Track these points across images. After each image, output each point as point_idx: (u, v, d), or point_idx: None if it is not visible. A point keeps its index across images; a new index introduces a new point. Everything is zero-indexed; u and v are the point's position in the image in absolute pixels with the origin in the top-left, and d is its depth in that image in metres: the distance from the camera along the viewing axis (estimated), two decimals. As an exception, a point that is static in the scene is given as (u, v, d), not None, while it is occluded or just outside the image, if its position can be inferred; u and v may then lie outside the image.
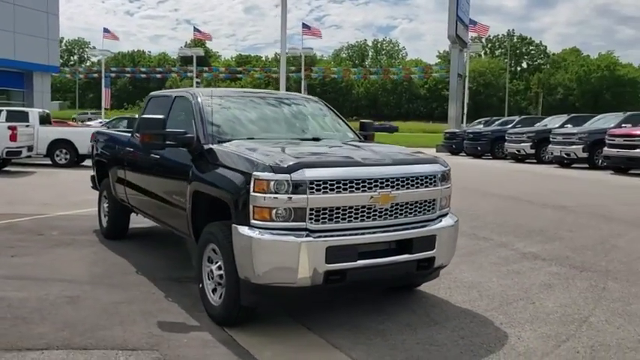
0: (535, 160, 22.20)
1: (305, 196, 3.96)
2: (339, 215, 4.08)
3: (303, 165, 4.03)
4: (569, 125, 21.30)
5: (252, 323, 4.39)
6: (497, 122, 28.67)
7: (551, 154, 20.39)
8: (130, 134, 6.86)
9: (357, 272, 4.13)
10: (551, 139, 20.45)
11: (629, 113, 19.52)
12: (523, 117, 29.66)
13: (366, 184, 4.14)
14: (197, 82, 42.65)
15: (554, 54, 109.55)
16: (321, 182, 4.00)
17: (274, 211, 3.95)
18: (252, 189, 4.00)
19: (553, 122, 23.35)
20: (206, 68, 74.17)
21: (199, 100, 5.42)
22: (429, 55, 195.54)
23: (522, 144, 22.58)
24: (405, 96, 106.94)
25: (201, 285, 4.68)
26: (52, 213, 9.18)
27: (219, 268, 4.43)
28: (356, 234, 4.11)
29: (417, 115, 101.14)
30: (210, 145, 4.86)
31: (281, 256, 3.93)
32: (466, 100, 37.59)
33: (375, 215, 4.20)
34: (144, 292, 5.18)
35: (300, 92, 34.31)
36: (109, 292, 5.14)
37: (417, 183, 4.40)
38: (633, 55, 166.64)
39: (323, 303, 4.91)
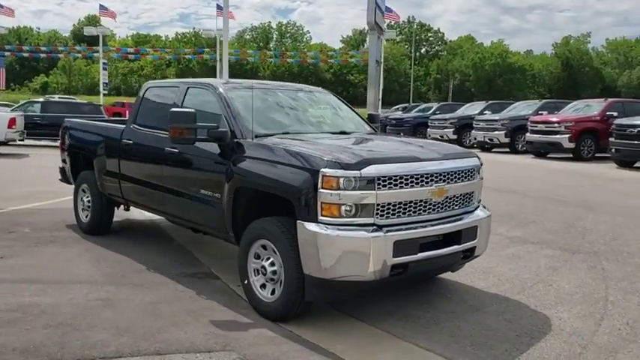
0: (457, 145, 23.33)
1: (374, 192, 4.04)
2: (402, 210, 4.20)
3: (370, 161, 4.10)
4: (488, 112, 22.54)
5: (303, 318, 4.41)
6: (416, 109, 29.77)
7: (475, 139, 21.53)
8: (124, 125, 6.54)
9: (417, 264, 4.29)
10: (474, 125, 21.57)
11: (544, 101, 21.00)
12: (442, 103, 31.09)
13: (424, 178, 4.29)
14: (104, 63, 40.39)
15: (451, 41, 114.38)
16: (387, 178, 4.10)
17: (343, 208, 4.01)
18: (320, 186, 4.03)
19: (472, 109, 24.59)
20: (113, 48, 70.36)
21: (225, 92, 5.30)
22: (331, 39, 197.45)
23: (445, 130, 23.67)
24: (310, 80, 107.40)
25: (246, 281, 4.64)
26: (6, 208, 8.55)
27: (273, 264, 4.42)
28: (417, 227, 4.26)
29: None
30: (250, 140, 4.80)
31: (353, 251, 3.99)
32: (381, 86, 38.50)
33: (430, 209, 4.36)
34: (172, 291, 5.05)
35: (215, 76, 33.61)
36: (138, 293, 4.95)
37: (463, 176, 4.61)
38: (516, 44, 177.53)
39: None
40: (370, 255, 4.00)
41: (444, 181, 4.42)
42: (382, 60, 37.78)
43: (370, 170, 4.05)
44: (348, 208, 4.01)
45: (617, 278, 5.52)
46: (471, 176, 4.72)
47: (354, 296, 4.70)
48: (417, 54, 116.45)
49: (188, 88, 5.70)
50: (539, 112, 19.59)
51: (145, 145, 5.95)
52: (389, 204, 4.13)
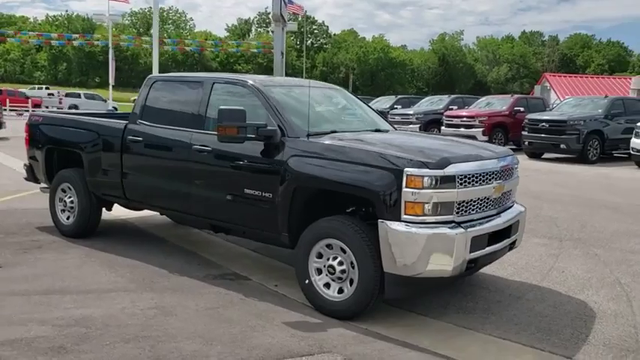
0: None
1: (455, 190, 4.20)
2: (472, 207, 4.40)
3: (450, 160, 4.25)
4: (398, 106, 23.46)
5: (368, 315, 4.47)
6: None
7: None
8: (124, 121, 6.12)
9: (484, 258, 4.52)
10: (389, 119, 22.33)
11: (453, 96, 22.26)
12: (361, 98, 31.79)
13: (489, 176, 4.51)
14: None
15: (335, 34, 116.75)
16: (463, 176, 4.27)
17: (426, 206, 4.12)
18: (404, 185, 4.11)
19: (381, 103, 25.45)
20: (11, 32, 63.80)
21: (265, 89, 5.17)
22: (214, 26, 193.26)
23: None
24: (196, 68, 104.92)
25: (307, 281, 4.61)
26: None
27: (341, 263, 4.43)
28: (484, 223, 4.47)
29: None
30: (306, 139, 4.75)
31: (438, 248, 4.12)
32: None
33: (491, 205, 4.60)
34: (218, 294, 4.88)
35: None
36: (185, 298, 4.73)
37: (512, 173, 4.90)
38: (391, 39, 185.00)
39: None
40: (454, 251, 4.15)
41: (502, 178, 4.67)
42: (284, 51, 37.81)
43: (451, 169, 4.20)
44: (431, 207, 4.13)
45: (614, 262, 6.11)
46: (515, 173, 5.02)
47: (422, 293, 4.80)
48: (303, 46, 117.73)
49: (214, 83, 5.48)
50: (450, 107, 20.76)
51: (163, 143, 5.64)
52: (464, 201, 4.30)
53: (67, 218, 6.67)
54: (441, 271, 4.19)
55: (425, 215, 4.13)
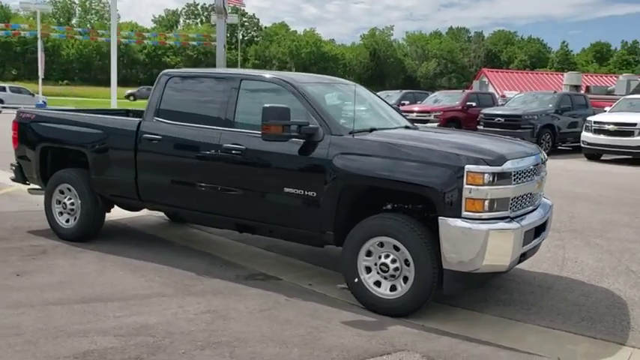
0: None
1: (510, 186, 4.31)
2: (521, 202, 4.52)
3: (506, 157, 4.35)
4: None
5: (418, 311, 4.51)
6: None
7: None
8: (139, 119, 5.86)
9: (530, 252, 4.67)
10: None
11: (404, 91, 22.66)
12: None
13: (533, 172, 4.65)
14: None
15: (266, 27, 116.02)
16: (517, 172, 4.39)
17: (486, 202, 4.21)
18: (464, 182, 4.17)
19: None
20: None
21: (302, 86, 5.10)
22: (136, 17, 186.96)
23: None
24: (122, 61, 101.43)
25: (356, 280, 4.60)
26: None
27: (394, 261, 4.45)
28: (530, 218, 4.61)
29: (137, 82, 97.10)
30: (351, 137, 4.73)
31: (499, 243, 4.22)
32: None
33: (532, 200, 4.75)
34: (261, 296, 4.78)
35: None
36: (232, 301, 4.61)
37: (544, 169, 5.07)
38: (319, 32, 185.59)
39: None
40: (512, 246, 4.27)
41: (540, 173, 4.83)
42: (225, 44, 37.35)
43: (508, 165, 4.30)
44: (489, 203, 4.21)
45: (617, 252, 6.44)
46: (545, 168, 5.20)
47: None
48: (234, 39, 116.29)
49: (242, 80, 5.34)
50: (402, 102, 21.13)
51: (186, 141, 5.44)
52: (516, 197, 4.42)
53: (67, 221, 6.31)
54: (499, 266, 4.29)
55: (484, 211, 4.20)
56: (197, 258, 5.82)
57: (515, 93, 27.36)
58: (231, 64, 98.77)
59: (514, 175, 4.33)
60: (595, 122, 15.30)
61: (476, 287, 4.96)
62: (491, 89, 31.69)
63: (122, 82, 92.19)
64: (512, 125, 16.35)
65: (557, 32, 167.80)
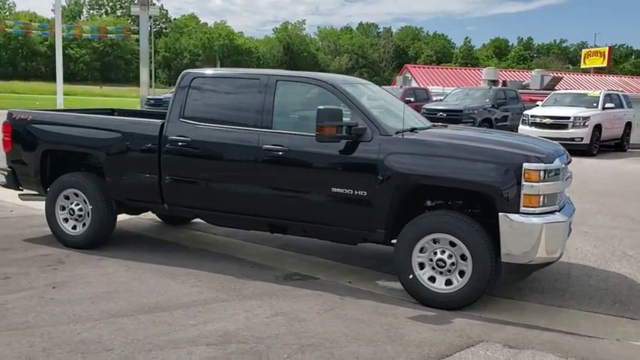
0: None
1: (559, 182, 4.62)
2: (561, 197, 4.85)
3: (555, 155, 4.66)
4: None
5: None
6: None
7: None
8: (160, 120, 5.66)
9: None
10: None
11: None
12: None
13: (565, 169, 4.99)
14: None
15: (175, 19, 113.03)
16: (562, 169, 4.71)
17: (540, 198, 4.49)
18: (522, 179, 4.43)
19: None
20: None
21: (343, 87, 5.15)
22: (30, 6, 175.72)
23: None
24: (21, 52, 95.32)
25: (411, 276, 4.74)
26: None
27: (450, 256, 4.63)
28: (567, 211, 4.94)
29: (37, 76, 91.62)
30: (400, 136, 4.86)
31: (553, 235, 4.51)
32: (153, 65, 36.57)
33: (563, 196, 5.08)
34: (316, 296, 4.80)
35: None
36: (292, 303, 4.61)
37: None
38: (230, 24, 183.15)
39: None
40: (564, 237, 4.59)
41: (567, 171, 5.19)
42: (152, 38, 35.93)
43: (557, 163, 4.61)
44: (543, 198, 4.50)
45: (606, 238, 7.00)
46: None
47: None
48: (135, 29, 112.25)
49: (277, 81, 5.30)
50: None
51: (219, 142, 5.34)
52: (560, 192, 4.73)
53: (74, 228, 6.00)
54: (551, 257, 4.59)
55: (538, 206, 4.48)
56: (223, 261, 5.73)
57: (439, 88, 28.50)
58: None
59: (560, 172, 4.64)
60: (532, 116, 16.32)
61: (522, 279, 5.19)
62: (414, 84, 32.82)
63: (21, 76, 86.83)
64: (453, 120, 17.06)
65: (456, 28, 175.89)
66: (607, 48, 39.87)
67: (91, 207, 5.85)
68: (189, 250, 6.19)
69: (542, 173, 4.45)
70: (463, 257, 4.59)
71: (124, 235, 6.63)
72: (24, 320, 4.04)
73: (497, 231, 4.49)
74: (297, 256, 6.05)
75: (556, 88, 27.84)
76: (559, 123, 15.75)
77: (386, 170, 4.75)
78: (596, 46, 47.00)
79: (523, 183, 4.42)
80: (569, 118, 15.58)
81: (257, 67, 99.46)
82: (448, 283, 4.67)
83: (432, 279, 4.71)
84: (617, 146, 17.88)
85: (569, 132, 15.46)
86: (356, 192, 4.87)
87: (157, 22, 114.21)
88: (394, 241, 4.98)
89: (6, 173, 6.34)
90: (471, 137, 5.05)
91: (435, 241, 4.67)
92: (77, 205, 5.95)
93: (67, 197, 6.00)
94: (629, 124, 18.00)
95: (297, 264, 5.75)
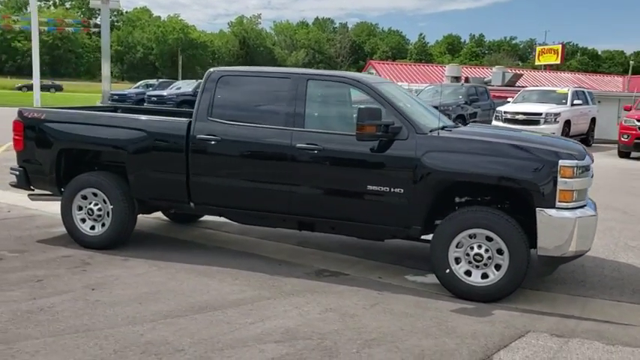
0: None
1: (588, 178, 4.85)
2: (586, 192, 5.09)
3: (585, 152, 4.88)
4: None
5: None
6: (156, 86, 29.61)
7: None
8: (186, 119, 5.61)
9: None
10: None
11: None
12: (162, 80, 31.34)
13: (589, 166, 5.24)
14: None
15: (127, 12, 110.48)
16: (591, 166, 4.94)
17: (573, 193, 4.71)
18: (558, 175, 4.63)
19: (186, 86, 27.13)
20: None
21: (377, 86, 5.26)
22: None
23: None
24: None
25: (448, 271, 4.89)
26: None
27: (487, 250, 4.80)
28: (591, 206, 5.18)
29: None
30: (436, 134, 4.99)
31: (587, 230, 4.74)
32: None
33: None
34: (355, 292, 4.89)
35: None
36: (335, 299, 4.69)
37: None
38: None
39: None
40: (594, 231, 4.82)
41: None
42: (105, 29, 35.11)
43: (588, 160, 4.84)
44: (576, 193, 4.72)
45: (605, 230, 7.29)
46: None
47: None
48: (92, 22, 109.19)
49: (308, 80, 5.35)
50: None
51: (252, 141, 5.36)
52: (588, 188, 4.97)
53: (92, 228, 5.90)
54: (582, 250, 4.81)
55: (571, 201, 4.69)
56: (248, 258, 5.75)
57: (405, 84, 28.89)
58: (91, 49, 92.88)
59: (590, 169, 4.87)
60: (505, 112, 16.81)
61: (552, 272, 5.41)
62: (379, 80, 33.04)
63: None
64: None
65: (409, 24, 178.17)
66: (560, 46, 41.24)
67: (111, 207, 5.77)
68: (209, 248, 6.17)
69: (575, 170, 4.66)
70: (499, 251, 4.76)
71: (136, 234, 6.54)
72: (81, 323, 3.98)
73: (527, 225, 4.70)
74: (319, 253, 6.12)
75: (517, 84, 28.68)
76: (531, 119, 16.28)
77: (424, 168, 4.87)
78: (545, 43, 48.49)
79: (559, 179, 4.62)
80: (541, 114, 16.14)
81: (212, 61, 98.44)
82: (484, 276, 4.83)
83: (468, 273, 4.86)
84: (583, 141, 18.53)
85: (541, 128, 15.99)
86: (392, 189, 4.98)
87: (109, 15, 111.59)
88: (423, 237, 5.15)
89: (17, 173, 6.16)
90: (505, 136, 5.23)
91: (471, 236, 4.83)
92: (96, 205, 5.85)
93: (84, 197, 5.89)
94: (593, 120, 18.77)
95: (322, 260, 5.82)
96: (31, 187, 6.25)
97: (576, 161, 4.69)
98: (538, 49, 44.13)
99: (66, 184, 5.97)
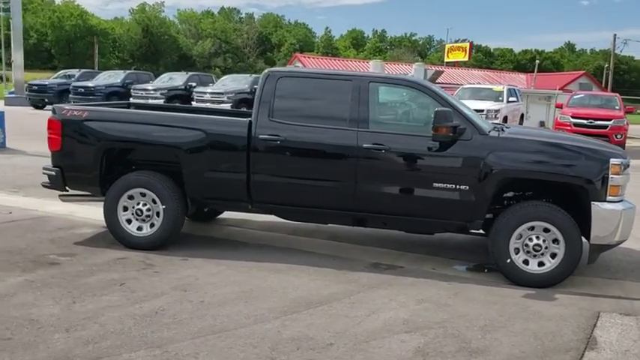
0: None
1: (629, 174, 5.47)
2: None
3: (623, 151, 5.50)
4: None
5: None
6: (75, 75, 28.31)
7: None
8: (246, 119, 5.65)
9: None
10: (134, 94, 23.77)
11: (190, 73, 25.29)
12: (84, 70, 30.00)
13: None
14: None
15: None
16: (629, 164, 5.56)
17: (619, 188, 5.31)
18: (610, 172, 5.21)
19: (114, 77, 26.77)
20: None
21: (437, 90, 5.58)
22: None
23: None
24: None
25: (509, 260, 5.34)
26: None
27: (544, 241, 5.30)
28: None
29: None
30: (497, 135, 5.44)
31: (630, 220, 5.35)
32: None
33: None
34: (430, 284, 5.21)
35: None
36: (418, 290, 4.99)
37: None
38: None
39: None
40: (633, 221, 5.45)
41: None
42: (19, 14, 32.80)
43: (628, 158, 5.46)
44: (621, 188, 5.33)
45: None
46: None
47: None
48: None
49: (370, 82, 5.57)
50: (189, 85, 24.05)
51: (317, 142, 5.52)
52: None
53: (139, 229, 5.80)
54: (624, 239, 5.43)
55: (618, 195, 5.30)
56: (301, 255, 5.88)
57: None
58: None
59: (629, 166, 5.50)
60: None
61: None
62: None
63: None
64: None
65: (309, 17, 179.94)
66: (468, 44, 43.68)
67: (163, 207, 5.70)
68: (252, 245, 6.23)
69: (621, 167, 5.26)
70: (555, 241, 5.27)
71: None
72: (209, 324, 4.01)
73: (579, 217, 5.25)
74: (358, 247, 6.36)
75: (437, 81, 30.05)
76: (474, 116, 17.32)
77: (489, 166, 5.27)
78: (442, 40, 51.02)
79: (610, 176, 5.20)
80: (482, 110, 17.16)
81: (113, 49, 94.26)
82: (540, 264, 5.33)
83: (526, 262, 5.33)
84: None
85: (484, 124, 17.06)
86: (458, 186, 5.35)
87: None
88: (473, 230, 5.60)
89: (54, 173, 5.91)
90: (557, 136, 5.77)
91: (530, 228, 5.30)
92: (144, 205, 5.76)
93: (131, 197, 5.77)
94: (522, 116, 20.23)
95: (367, 254, 6.07)
96: (66, 188, 6.02)
97: (622, 159, 5.29)
98: (447, 46, 46.33)
99: (108, 185, 5.82)
